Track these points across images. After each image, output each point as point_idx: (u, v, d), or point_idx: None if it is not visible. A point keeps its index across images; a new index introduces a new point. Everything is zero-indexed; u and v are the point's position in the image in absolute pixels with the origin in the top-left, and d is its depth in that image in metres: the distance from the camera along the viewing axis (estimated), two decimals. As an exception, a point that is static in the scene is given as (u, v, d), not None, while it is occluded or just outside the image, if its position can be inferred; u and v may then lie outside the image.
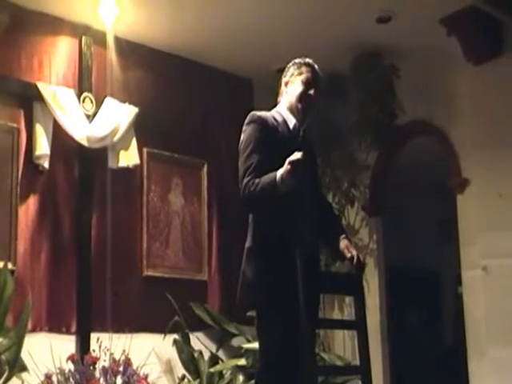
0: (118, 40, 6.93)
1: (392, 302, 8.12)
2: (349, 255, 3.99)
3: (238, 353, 7.05)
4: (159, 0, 6.49)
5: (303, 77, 4.13)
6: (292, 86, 4.16)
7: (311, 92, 4.11)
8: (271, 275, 3.89)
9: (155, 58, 7.40)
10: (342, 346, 7.67)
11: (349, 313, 7.54)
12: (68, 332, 6.47)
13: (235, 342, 7.15)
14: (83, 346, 6.43)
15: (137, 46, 7.23)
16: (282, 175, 3.76)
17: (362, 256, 4.15)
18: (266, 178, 3.83)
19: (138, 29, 7.00)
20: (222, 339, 7.28)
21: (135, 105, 7.06)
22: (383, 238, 7.97)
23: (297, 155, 3.73)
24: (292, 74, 4.18)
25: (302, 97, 4.12)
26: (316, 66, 4.20)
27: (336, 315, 7.70)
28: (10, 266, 6.01)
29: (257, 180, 3.86)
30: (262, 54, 7.47)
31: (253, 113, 4.10)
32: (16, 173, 6.32)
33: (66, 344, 6.37)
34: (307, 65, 4.17)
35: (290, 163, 3.72)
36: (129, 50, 7.14)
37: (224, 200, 7.66)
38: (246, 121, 4.07)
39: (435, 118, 7.51)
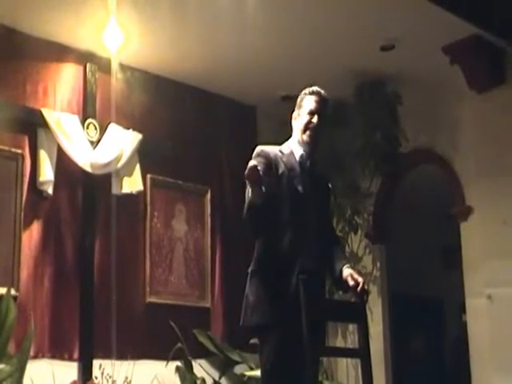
0: (122, 67, 6.97)
1: (395, 330, 8.09)
2: (352, 283, 3.98)
3: (240, 380, 7.02)
4: (163, 27, 6.52)
5: (308, 108, 4.23)
6: (298, 119, 4.27)
7: (314, 120, 4.19)
8: (274, 299, 3.91)
9: (159, 84, 7.42)
10: (345, 374, 7.63)
11: (352, 341, 7.51)
12: (70, 359, 6.43)
13: (238, 369, 7.13)
14: (85, 372, 6.40)
15: (141, 72, 7.28)
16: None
17: (366, 283, 4.14)
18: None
19: (143, 56, 7.04)
20: (224, 366, 7.24)
21: (139, 131, 7.08)
22: (387, 266, 7.95)
23: (250, 163, 3.83)
24: (299, 108, 4.29)
25: (306, 128, 4.21)
26: (322, 92, 4.27)
27: (339, 343, 7.68)
28: (12, 292, 5.99)
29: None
30: (266, 81, 7.50)
31: (258, 147, 4.20)
32: (20, 199, 6.33)
33: (68, 371, 6.34)
34: (312, 93, 4.27)
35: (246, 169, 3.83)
36: (133, 76, 7.19)
37: (227, 226, 7.65)
38: (253, 155, 4.16)
39: (438, 145, 7.53)
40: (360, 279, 3.99)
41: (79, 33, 6.62)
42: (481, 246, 6.96)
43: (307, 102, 4.24)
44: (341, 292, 4.62)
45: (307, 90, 4.30)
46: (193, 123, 7.67)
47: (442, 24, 6.47)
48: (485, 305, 6.81)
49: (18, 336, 5.90)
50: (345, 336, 7.73)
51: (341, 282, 4.07)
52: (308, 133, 4.20)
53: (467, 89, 7.08)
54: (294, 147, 4.24)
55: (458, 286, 7.36)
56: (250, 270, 4.09)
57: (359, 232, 7.83)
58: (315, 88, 4.30)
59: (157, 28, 6.55)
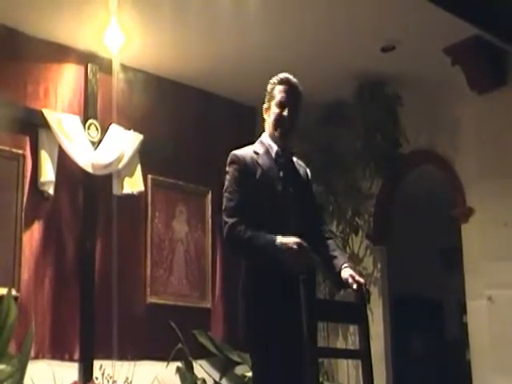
0: (123, 67, 6.98)
1: (396, 331, 8.08)
2: (354, 286, 3.87)
3: (241, 381, 7.01)
4: (164, 28, 6.53)
5: (277, 99, 4.04)
6: (270, 112, 4.09)
7: (285, 113, 4.01)
8: (266, 315, 3.78)
9: (160, 85, 7.43)
10: (345, 376, 7.62)
11: (353, 342, 7.50)
12: (71, 359, 6.44)
13: (238, 370, 7.11)
14: (86, 373, 6.40)
15: (142, 73, 7.28)
16: (284, 256, 3.67)
17: (367, 284, 4.10)
18: (265, 238, 3.73)
19: (144, 56, 7.05)
20: (225, 367, 7.24)
21: (140, 132, 7.09)
22: (387, 267, 7.94)
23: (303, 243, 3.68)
24: (269, 99, 4.10)
25: (277, 121, 4.03)
26: (292, 79, 4.08)
27: (340, 344, 7.66)
28: (13, 292, 6.00)
29: (248, 228, 3.75)
30: (265, 82, 7.45)
31: (232, 153, 4.03)
32: (21, 199, 6.33)
33: (69, 371, 6.35)
34: (280, 82, 4.08)
35: (297, 244, 3.67)
36: (134, 77, 7.19)
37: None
38: (227, 162, 4.02)
39: (439, 146, 7.52)
40: (362, 280, 3.93)
41: (80, 33, 6.63)
42: (481, 247, 6.95)
43: (276, 93, 4.04)
44: (342, 292, 4.55)
45: (275, 79, 4.10)
46: (193, 124, 7.67)
47: (443, 25, 6.46)
48: (485, 306, 6.80)
49: (18, 336, 5.91)
50: (345, 337, 7.72)
51: (340, 281, 3.98)
52: (279, 128, 4.02)
53: (468, 90, 7.07)
54: (268, 144, 4.06)
55: (459, 288, 7.36)
56: (239, 288, 3.93)
57: (360, 233, 7.82)
58: (283, 75, 4.09)
59: (158, 29, 6.56)
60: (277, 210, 3.87)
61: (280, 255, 3.68)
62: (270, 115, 4.09)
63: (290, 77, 4.10)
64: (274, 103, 4.05)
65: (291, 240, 3.69)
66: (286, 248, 3.68)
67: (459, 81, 7.06)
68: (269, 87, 4.12)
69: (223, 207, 3.89)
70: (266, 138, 4.12)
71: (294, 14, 6.36)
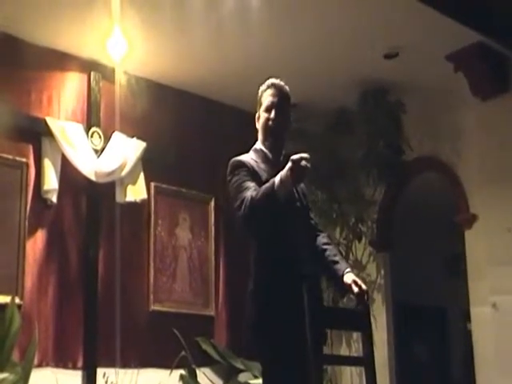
0: (126, 75, 6.98)
1: (400, 338, 8.07)
2: (356, 290, 3.89)
3: (244, 389, 7.01)
4: (168, 36, 6.54)
5: (264, 105, 4.03)
6: (260, 120, 4.05)
7: (272, 115, 3.97)
8: (274, 319, 3.77)
9: (163, 93, 7.43)
10: (349, 383, 7.61)
11: (356, 349, 7.49)
12: (74, 367, 6.43)
13: (242, 377, 7.10)
14: (89, 381, 6.40)
15: (145, 81, 7.28)
16: (281, 177, 3.60)
17: (369, 291, 4.09)
18: (265, 185, 3.69)
19: (147, 64, 7.05)
20: (228, 375, 7.23)
21: (143, 139, 7.09)
22: (391, 274, 7.94)
23: (300, 155, 3.54)
24: (259, 107, 4.07)
25: (266, 126, 3.99)
26: (278, 83, 4.07)
27: (344, 351, 7.65)
28: (17, 300, 5.99)
29: (254, 193, 3.71)
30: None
31: (235, 159, 3.97)
32: (24, 207, 6.33)
33: (72, 379, 6.35)
34: (267, 87, 4.07)
35: (293, 161, 3.53)
36: (137, 85, 7.19)
37: (231, 235, 7.65)
38: (231, 168, 3.94)
39: (442, 153, 7.52)
40: (364, 287, 3.92)
41: (83, 41, 6.64)
42: (485, 253, 6.94)
43: (264, 99, 4.03)
44: (345, 300, 4.55)
45: (263, 86, 4.08)
46: (197, 131, 7.67)
47: (445, 31, 6.47)
48: (490, 313, 6.79)
49: (22, 344, 5.91)
50: (349, 344, 7.71)
51: (343, 286, 3.98)
52: (269, 133, 3.98)
53: (471, 96, 7.08)
54: (263, 151, 4.01)
55: (463, 294, 7.34)
56: (248, 290, 3.90)
57: (363, 240, 7.82)
58: (270, 81, 4.08)
59: (161, 37, 6.57)
60: (285, 212, 3.80)
61: (281, 190, 3.60)
62: (259, 123, 4.06)
63: (276, 81, 4.10)
64: (262, 110, 4.04)
65: (288, 166, 3.58)
66: (284, 177, 3.59)
67: (462, 87, 7.07)
68: (258, 96, 4.10)
69: (237, 204, 3.79)
70: (259, 145, 4.07)
71: (297, 21, 6.37)
